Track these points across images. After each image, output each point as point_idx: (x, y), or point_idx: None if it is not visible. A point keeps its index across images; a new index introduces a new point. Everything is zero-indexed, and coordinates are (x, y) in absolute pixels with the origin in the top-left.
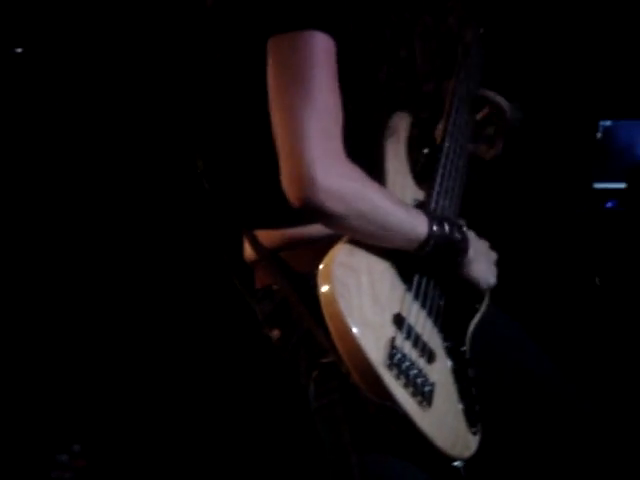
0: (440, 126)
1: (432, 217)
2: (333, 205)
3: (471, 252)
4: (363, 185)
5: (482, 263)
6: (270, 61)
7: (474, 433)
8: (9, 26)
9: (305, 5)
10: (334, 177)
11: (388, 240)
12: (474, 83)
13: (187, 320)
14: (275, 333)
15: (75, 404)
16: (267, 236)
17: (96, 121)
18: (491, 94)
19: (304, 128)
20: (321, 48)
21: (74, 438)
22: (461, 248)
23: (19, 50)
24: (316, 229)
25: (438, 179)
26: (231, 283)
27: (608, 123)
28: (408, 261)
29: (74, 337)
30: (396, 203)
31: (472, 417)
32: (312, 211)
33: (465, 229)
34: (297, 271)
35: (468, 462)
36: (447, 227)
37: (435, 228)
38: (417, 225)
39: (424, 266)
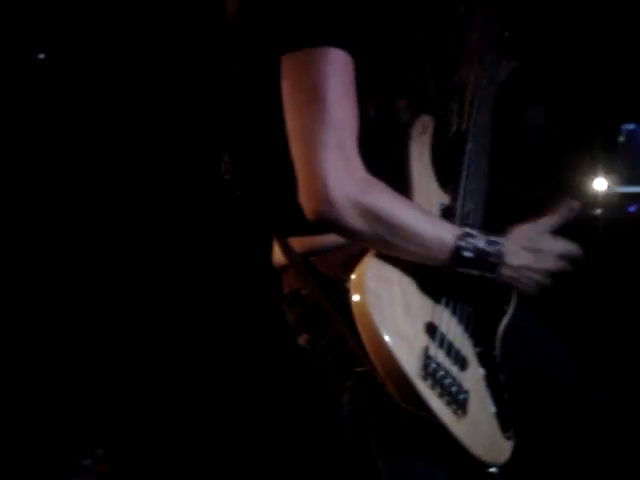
0: (462, 128)
1: (464, 232)
2: (350, 220)
3: (506, 267)
4: (381, 199)
5: (524, 277)
6: (285, 77)
7: (508, 438)
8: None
9: (318, 21)
10: (350, 192)
11: (411, 254)
12: (497, 76)
13: (213, 324)
14: (303, 337)
15: (98, 409)
16: (298, 241)
17: (124, 136)
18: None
19: (317, 143)
20: (335, 64)
21: (97, 442)
22: (493, 263)
23: (42, 56)
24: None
25: (463, 182)
26: (259, 287)
27: (631, 126)
28: (438, 270)
29: (95, 343)
30: (419, 216)
31: (505, 422)
32: (328, 226)
33: (501, 241)
34: (327, 276)
35: (502, 467)
36: (478, 241)
37: (463, 243)
38: (443, 239)
39: (454, 278)
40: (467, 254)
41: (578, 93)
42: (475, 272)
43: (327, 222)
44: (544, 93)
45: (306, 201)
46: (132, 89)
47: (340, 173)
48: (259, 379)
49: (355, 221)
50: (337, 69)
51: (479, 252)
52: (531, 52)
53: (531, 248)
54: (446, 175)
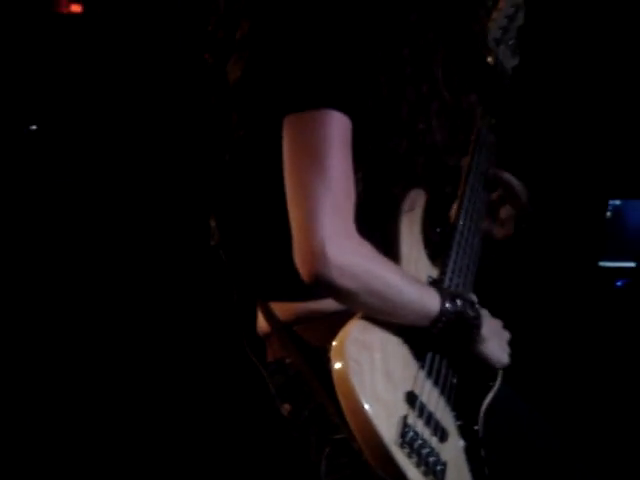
0: (455, 204)
1: (445, 294)
2: (344, 282)
3: (484, 330)
4: (375, 262)
5: (495, 342)
6: (286, 138)
7: None
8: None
9: (321, 84)
10: (345, 254)
11: (400, 316)
12: (489, 162)
13: (196, 392)
14: (286, 407)
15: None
16: (282, 309)
17: (116, 207)
18: (506, 175)
19: (316, 205)
20: (336, 127)
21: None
22: (474, 325)
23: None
24: (330, 303)
25: (452, 256)
26: (243, 355)
27: (617, 202)
28: (421, 338)
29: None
30: (408, 280)
31: None
32: (323, 287)
33: (478, 306)
34: (311, 345)
35: None
36: (460, 304)
37: (447, 305)
38: (429, 302)
39: (437, 343)
40: (450, 317)
41: (565, 169)
42: (456, 333)
43: (322, 283)
44: (531, 169)
45: (302, 262)
46: (125, 159)
47: (337, 235)
48: (241, 449)
49: (348, 282)
50: (337, 132)
51: (460, 315)
52: (519, 132)
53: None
54: (436, 249)
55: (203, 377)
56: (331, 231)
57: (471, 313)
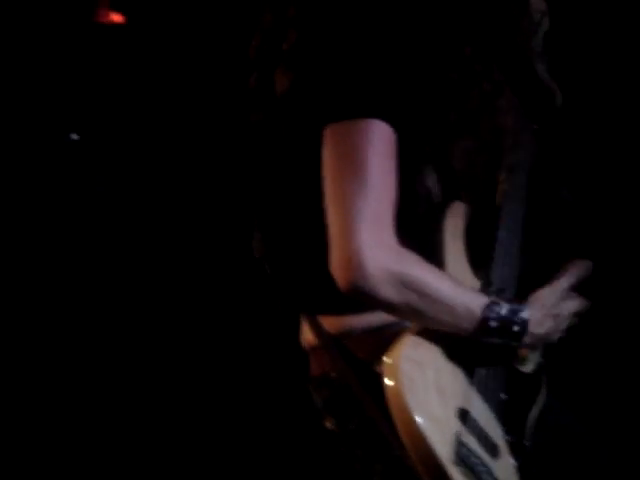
0: (496, 215)
1: (490, 298)
2: (382, 289)
3: (529, 336)
4: (415, 271)
5: (544, 338)
6: (326, 148)
7: None
8: None
9: (363, 93)
10: (383, 264)
11: (443, 325)
12: (527, 168)
13: (240, 403)
14: (332, 422)
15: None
16: (330, 322)
17: (154, 218)
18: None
19: (354, 215)
20: (377, 136)
21: None
22: (518, 332)
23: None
24: (379, 317)
25: (494, 268)
26: (287, 369)
27: None
28: (470, 354)
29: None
30: (450, 285)
31: None
32: (361, 295)
33: (525, 314)
34: (361, 359)
35: None
36: (504, 308)
37: (489, 312)
38: (474, 305)
39: (485, 358)
40: (493, 324)
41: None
42: (499, 341)
43: (359, 292)
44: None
45: (339, 270)
46: (165, 170)
47: (374, 244)
48: (286, 460)
49: (387, 291)
50: (379, 141)
51: (504, 321)
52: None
53: (553, 314)
54: (479, 259)
55: (236, 387)
56: (368, 240)
57: (516, 319)
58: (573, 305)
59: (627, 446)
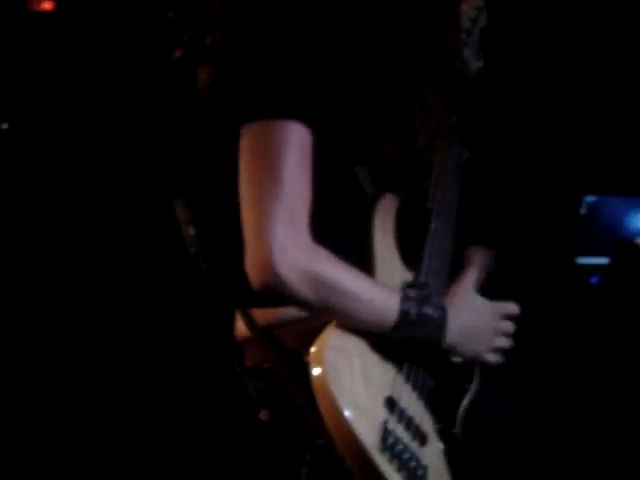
0: (427, 207)
1: (405, 296)
2: (296, 288)
3: (455, 331)
4: (327, 269)
5: (472, 341)
6: (243, 147)
7: None
8: None
9: (282, 94)
10: (295, 262)
11: (358, 322)
12: (460, 161)
13: (175, 398)
14: (265, 412)
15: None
16: (261, 314)
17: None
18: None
19: (267, 214)
20: (294, 138)
21: None
22: (439, 325)
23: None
24: None
25: (426, 260)
26: (222, 360)
27: (592, 198)
28: (398, 343)
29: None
30: (365, 283)
31: None
32: (274, 294)
33: (446, 306)
34: (289, 349)
35: None
36: (422, 306)
37: (407, 308)
38: (387, 304)
39: (413, 348)
40: (411, 317)
41: (540, 165)
42: (421, 335)
43: (273, 292)
44: (508, 162)
45: (252, 271)
46: (95, 161)
47: (287, 244)
48: (220, 452)
49: (301, 290)
50: (294, 142)
51: (422, 315)
52: (491, 132)
53: (467, 307)
54: (410, 253)
55: (182, 381)
56: (281, 241)
57: (434, 315)
58: (487, 302)
59: (564, 436)
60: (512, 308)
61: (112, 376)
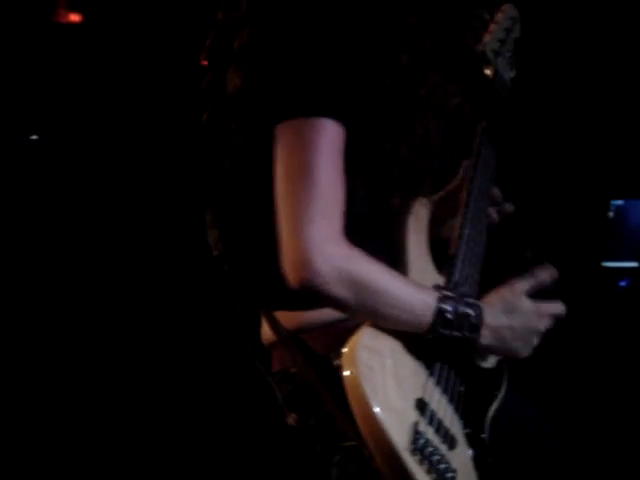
0: (459, 214)
1: (442, 296)
2: (333, 288)
3: (490, 327)
4: (364, 269)
5: (510, 338)
6: (277, 146)
7: None
8: None
9: (312, 92)
10: (332, 261)
11: (394, 323)
12: (491, 169)
13: (201, 402)
14: (293, 416)
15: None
16: (287, 317)
17: (118, 218)
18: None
19: (304, 213)
20: (327, 136)
21: None
22: (474, 323)
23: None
24: (334, 311)
25: (458, 266)
26: (248, 365)
27: (620, 202)
28: (430, 346)
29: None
30: (401, 282)
31: None
32: (310, 295)
33: (481, 305)
34: (317, 353)
35: None
36: (459, 305)
37: (445, 306)
38: (425, 303)
39: (444, 351)
40: (448, 316)
41: (567, 169)
42: (457, 334)
43: (309, 291)
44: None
45: (289, 270)
46: (125, 173)
47: (323, 242)
48: (248, 457)
49: (338, 289)
50: (328, 140)
51: (459, 314)
52: (517, 134)
53: (507, 309)
54: (443, 258)
55: (205, 386)
56: (318, 238)
57: (471, 313)
58: (533, 303)
59: (591, 442)
60: (559, 308)
61: (134, 381)
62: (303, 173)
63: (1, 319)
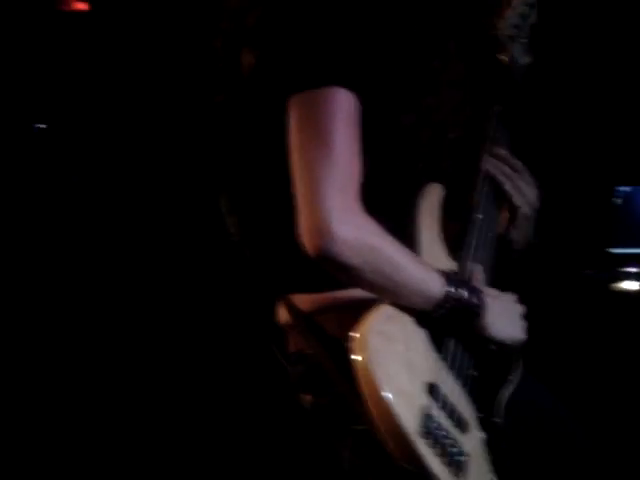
0: (473, 198)
1: (450, 278)
2: (348, 257)
3: (488, 316)
4: (380, 239)
5: (503, 321)
6: (291, 119)
7: None
8: None
9: (326, 61)
10: (350, 229)
11: (404, 296)
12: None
13: (217, 381)
14: (307, 398)
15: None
16: (302, 300)
17: (127, 207)
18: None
19: (321, 181)
20: (340, 104)
21: None
22: (475, 312)
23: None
24: (349, 293)
25: (471, 250)
26: (265, 347)
27: (628, 189)
28: (441, 330)
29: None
30: (413, 259)
31: None
32: (327, 262)
33: (483, 294)
34: (331, 335)
35: None
36: (463, 289)
37: (451, 289)
38: (432, 284)
39: (456, 335)
40: (453, 301)
41: (574, 155)
42: (462, 317)
43: (328, 257)
44: (540, 155)
45: (307, 238)
46: (135, 159)
47: (342, 210)
48: (261, 436)
49: (354, 257)
50: (342, 109)
51: (466, 298)
52: (526, 120)
53: (495, 294)
54: (454, 243)
55: (218, 373)
56: (336, 206)
57: (474, 301)
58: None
59: (607, 430)
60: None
61: (152, 363)
62: (318, 143)
63: (3, 308)
